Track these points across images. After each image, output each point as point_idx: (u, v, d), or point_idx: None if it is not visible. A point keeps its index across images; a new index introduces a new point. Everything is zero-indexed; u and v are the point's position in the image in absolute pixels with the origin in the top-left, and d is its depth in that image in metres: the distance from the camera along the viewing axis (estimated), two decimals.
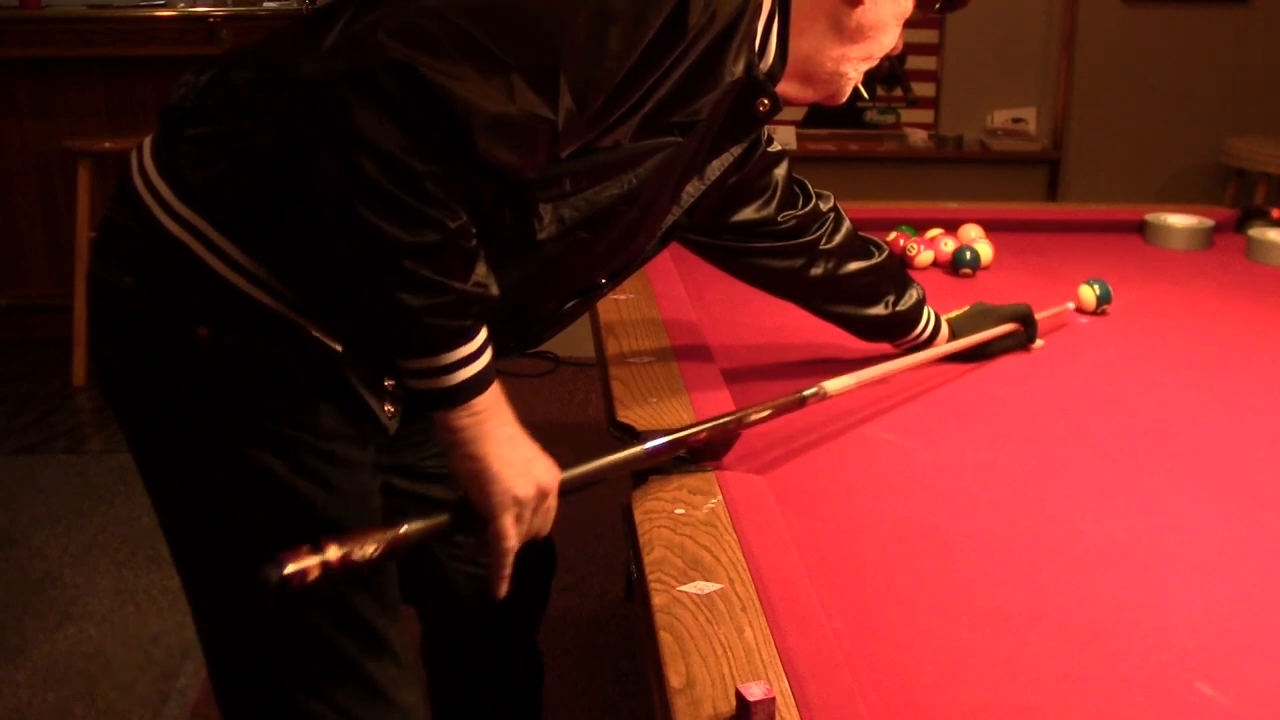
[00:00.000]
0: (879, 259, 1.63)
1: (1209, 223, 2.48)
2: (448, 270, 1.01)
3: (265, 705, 1.21)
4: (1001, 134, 4.42)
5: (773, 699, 0.84)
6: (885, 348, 1.70)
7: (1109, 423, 1.56)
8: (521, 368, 4.17)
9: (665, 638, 0.94)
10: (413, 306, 1.00)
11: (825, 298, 1.62)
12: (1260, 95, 4.41)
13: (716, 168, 1.34)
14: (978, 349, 1.74)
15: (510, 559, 1.12)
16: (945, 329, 1.72)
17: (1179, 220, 2.50)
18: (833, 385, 1.45)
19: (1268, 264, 2.35)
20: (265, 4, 4.38)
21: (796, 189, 1.56)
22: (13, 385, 3.99)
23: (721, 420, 1.32)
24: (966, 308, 1.78)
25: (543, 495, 1.12)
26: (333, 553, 0.99)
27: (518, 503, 1.10)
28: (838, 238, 1.59)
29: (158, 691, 2.31)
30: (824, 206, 1.59)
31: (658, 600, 1.00)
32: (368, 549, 1.02)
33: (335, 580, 1.01)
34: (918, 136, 4.46)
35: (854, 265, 1.60)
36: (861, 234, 1.65)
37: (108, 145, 3.84)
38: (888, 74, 4.44)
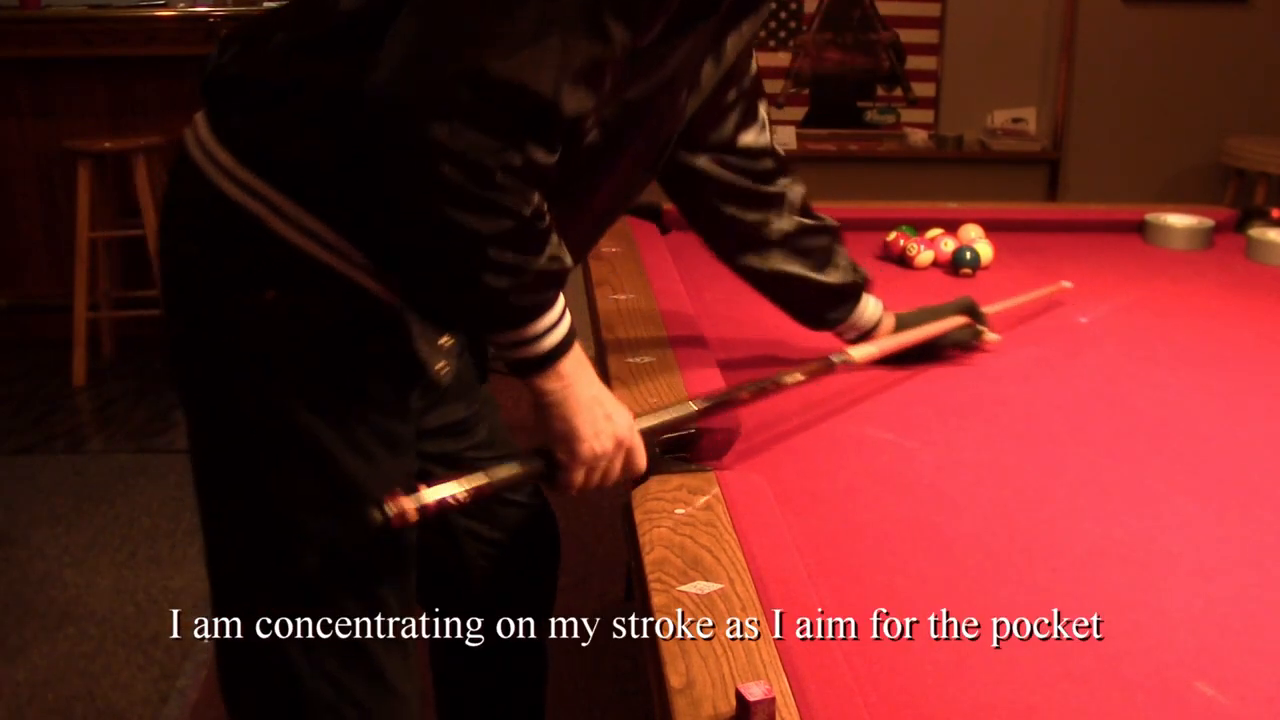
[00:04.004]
0: (829, 223, 1.63)
1: (1209, 223, 2.48)
2: (526, 250, 1.05)
3: (272, 682, 1.23)
4: (1001, 134, 4.42)
5: (773, 699, 0.84)
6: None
7: (1109, 423, 1.56)
8: None
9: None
10: (498, 288, 1.05)
11: (783, 255, 1.60)
12: (1260, 95, 4.41)
13: (731, 48, 1.34)
14: (930, 347, 1.73)
15: (573, 493, 1.21)
16: (890, 319, 1.69)
17: (1179, 220, 2.50)
18: (857, 352, 1.55)
19: (1268, 264, 2.35)
20: (265, 4, 4.39)
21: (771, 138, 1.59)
22: (13, 385, 3.99)
23: (761, 385, 1.40)
24: (915, 310, 1.76)
25: (620, 447, 1.19)
26: (430, 497, 1.08)
27: (595, 456, 1.18)
28: (797, 197, 1.59)
29: (158, 691, 2.31)
30: (787, 166, 1.61)
31: (658, 600, 1.00)
32: (460, 494, 1.11)
33: (430, 519, 1.10)
34: (918, 136, 4.46)
35: (809, 222, 1.60)
36: (812, 209, 1.64)
37: (108, 145, 3.84)
38: (888, 74, 4.45)
